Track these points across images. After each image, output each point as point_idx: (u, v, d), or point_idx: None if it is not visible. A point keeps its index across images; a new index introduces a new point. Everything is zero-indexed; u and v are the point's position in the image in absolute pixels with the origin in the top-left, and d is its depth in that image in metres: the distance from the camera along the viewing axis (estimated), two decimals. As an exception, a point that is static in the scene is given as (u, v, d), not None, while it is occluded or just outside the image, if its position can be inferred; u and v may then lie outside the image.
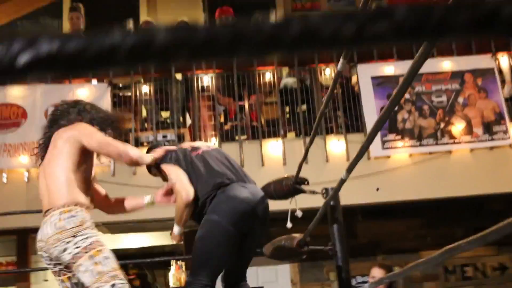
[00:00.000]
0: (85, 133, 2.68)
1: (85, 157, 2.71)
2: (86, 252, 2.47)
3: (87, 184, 2.76)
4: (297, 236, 3.36)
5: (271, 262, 7.20)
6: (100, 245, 2.56)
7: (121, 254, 8.79)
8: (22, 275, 7.31)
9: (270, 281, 7.17)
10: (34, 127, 6.38)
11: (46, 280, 8.26)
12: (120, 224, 6.90)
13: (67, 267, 2.62)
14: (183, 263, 7.46)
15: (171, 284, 7.99)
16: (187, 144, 3.28)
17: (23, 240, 7.40)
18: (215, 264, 2.75)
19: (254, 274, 7.19)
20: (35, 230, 6.76)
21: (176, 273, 7.64)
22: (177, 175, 2.86)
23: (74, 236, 2.49)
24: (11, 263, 8.02)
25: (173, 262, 7.83)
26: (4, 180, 6.41)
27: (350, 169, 2.00)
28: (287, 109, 6.94)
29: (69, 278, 2.63)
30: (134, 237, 8.62)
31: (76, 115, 2.77)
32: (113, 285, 2.45)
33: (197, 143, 3.28)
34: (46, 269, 7.57)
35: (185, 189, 2.81)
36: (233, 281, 3.01)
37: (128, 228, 7.53)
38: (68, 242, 2.47)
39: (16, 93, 6.64)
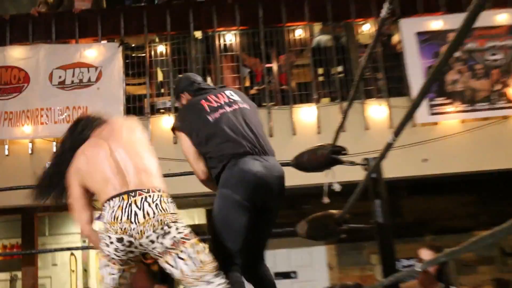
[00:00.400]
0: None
1: None
2: (189, 240, 2.67)
3: None
4: (335, 213, 3.51)
5: (305, 243, 6.99)
6: (195, 235, 2.78)
7: None
8: (28, 259, 7.56)
9: (304, 265, 7.61)
10: (37, 93, 6.77)
11: (55, 265, 8.88)
12: None
13: (145, 253, 2.80)
14: (206, 244, 8.51)
15: None
16: (204, 101, 3.19)
17: (29, 219, 7.72)
18: (234, 239, 2.90)
19: (286, 257, 7.63)
20: (41, 208, 7.12)
21: None
22: (188, 154, 3.17)
23: (176, 222, 2.67)
24: (15, 245, 8.45)
25: None
26: (6, 152, 6.74)
27: (397, 132, 2.03)
28: (320, 70, 7.00)
29: (130, 268, 2.76)
30: None
31: None
32: (216, 274, 2.70)
33: (216, 99, 3.20)
34: (54, 251, 7.94)
35: (195, 170, 3.20)
36: (251, 262, 3.14)
37: None
38: (170, 227, 2.64)
39: (17, 55, 6.95)
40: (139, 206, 2.62)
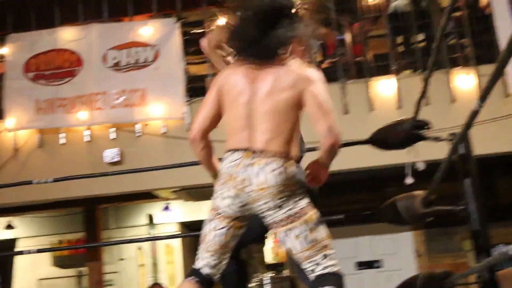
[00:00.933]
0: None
1: None
2: (304, 215, 2.85)
3: None
4: (420, 193, 3.66)
5: (389, 229, 7.42)
6: (313, 209, 2.91)
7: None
8: (93, 253, 8.19)
9: (389, 253, 8.05)
10: (91, 76, 7.30)
11: (122, 259, 9.54)
12: (202, 189, 7.65)
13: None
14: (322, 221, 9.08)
15: (267, 260, 9.08)
16: None
17: (91, 212, 8.38)
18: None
19: (369, 244, 8.04)
20: (103, 199, 7.48)
21: (274, 247, 8.90)
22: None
23: (295, 194, 2.87)
24: (80, 240, 9.12)
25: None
26: (62, 140, 7.34)
27: (483, 98, 2.14)
28: (399, 39, 7.33)
29: (239, 227, 2.98)
30: None
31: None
32: (325, 255, 2.88)
33: None
34: (119, 243, 8.89)
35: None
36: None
37: (212, 194, 8.61)
38: (288, 199, 2.85)
39: (68, 36, 7.49)
40: (260, 170, 2.84)
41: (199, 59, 7.68)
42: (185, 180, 7.29)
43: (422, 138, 3.90)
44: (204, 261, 3.05)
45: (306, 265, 2.91)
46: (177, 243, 10.23)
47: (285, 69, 2.93)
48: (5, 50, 7.67)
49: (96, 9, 7.69)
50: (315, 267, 2.89)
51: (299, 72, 2.95)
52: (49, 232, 10.48)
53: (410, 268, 7.94)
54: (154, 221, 10.15)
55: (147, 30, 7.44)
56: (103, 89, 7.38)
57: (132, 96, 7.35)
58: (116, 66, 7.43)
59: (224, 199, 2.91)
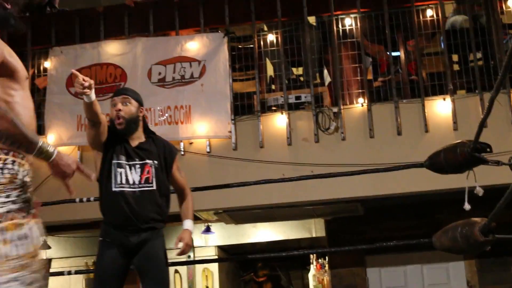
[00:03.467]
0: None
1: None
2: None
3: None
4: (478, 220, 3.63)
5: (440, 257, 7.57)
6: (18, 218, 2.55)
7: (246, 249, 9.37)
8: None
9: (440, 283, 8.12)
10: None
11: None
12: (245, 211, 7.85)
13: None
14: (326, 260, 8.67)
15: (311, 285, 9.26)
16: None
17: None
18: None
19: (419, 273, 8.08)
20: None
21: (317, 273, 9.02)
22: None
23: None
24: None
25: (312, 259, 9.12)
26: None
27: None
28: (455, 57, 7.28)
29: None
30: (263, 228, 9.67)
31: None
32: (15, 278, 2.43)
33: None
34: None
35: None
36: None
37: (255, 217, 8.39)
38: None
39: (112, 50, 7.64)
40: None
41: (246, 76, 7.77)
42: (228, 202, 7.35)
43: (484, 161, 3.91)
44: None
45: None
46: (215, 267, 10.36)
47: None
48: (47, 64, 7.79)
49: (141, 23, 7.83)
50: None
51: None
52: (82, 253, 10.70)
53: (463, 299, 7.98)
54: (194, 244, 10.15)
55: (194, 44, 7.52)
56: (147, 105, 7.12)
57: (176, 113, 7.43)
58: (161, 82, 7.54)
59: None
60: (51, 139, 7.57)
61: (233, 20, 7.66)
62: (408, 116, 6.99)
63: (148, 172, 4.38)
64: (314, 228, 9.44)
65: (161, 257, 4.41)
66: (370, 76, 7.51)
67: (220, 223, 9.27)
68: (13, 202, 2.56)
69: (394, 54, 7.39)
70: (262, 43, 7.74)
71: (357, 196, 7.19)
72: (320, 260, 9.38)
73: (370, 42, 7.50)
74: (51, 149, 2.68)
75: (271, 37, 7.75)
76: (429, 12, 7.36)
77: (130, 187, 4.34)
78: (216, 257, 10.22)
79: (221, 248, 10.36)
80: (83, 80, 3.89)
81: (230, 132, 7.29)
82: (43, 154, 2.64)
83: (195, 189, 6.15)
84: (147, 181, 4.37)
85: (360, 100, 7.18)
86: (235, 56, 7.60)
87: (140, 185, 4.38)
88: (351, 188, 6.86)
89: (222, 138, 7.35)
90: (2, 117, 2.49)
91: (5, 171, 2.59)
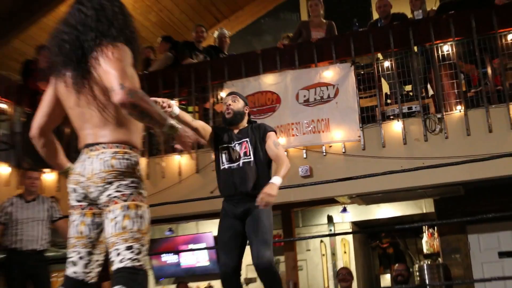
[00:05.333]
0: None
1: None
2: (124, 201, 2.63)
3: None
4: None
5: None
6: (141, 200, 2.69)
7: (373, 224, 10.27)
8: (288, 246, 9.07)
9: None
10: (287, 111, 8.05)
11: (309, 250, 10.47)
12: (372, 195, 8.39)
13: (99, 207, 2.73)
14: (435, 230, 9.28)
15: (424, 250, 9.82)
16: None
17: (287, 214, 9.19)
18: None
19: (510, 238, 8.54)
20: (299, 204, 8.54)
21: (428, 240, 9.72)
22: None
23: (119, 180, 2.68)
24: (277, 235, 9.83)
25: (425, 229, 9.82)
26: None
27: None
28: None
29: (93, 214, 2.81)
30: (386, 207, 10.10)
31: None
32: (130, 247, 2.59)
33: None
34: (310, 238, 10.22)
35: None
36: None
37: (380, 199, 8.92)
38: (111, 183, 2.66)
39: (269, 81, 8.32)
40: (92, 161, 2.71)
41: (369, 94, 8.24)
42: (359, 188, 7.75)
43: None
44: (69, 261, 2.83)
45: (111, 253, 2.62)
46: (350, 238, 10.88)
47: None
48: (223, 94, 8.35)
49: (289, 59, 8.43)
50: (115, 257, 2.60)
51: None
52: None
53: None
54: (334, 220, 10.87)
55: (329, 73, 8.05)
56: (296, 120, 8.08)
57: (318, 124, 8.01)
58: (306, 102, 8.11)
59: (70, 194, 2.82)
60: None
61: (357, 53, 8.19)
62: (496, 118, 7.40)
63: (245, 148, 4.52)
64: (424, 206, 9.87)
65: (263, 220, 4.40)
66: (464, 89, 7.89)
67: (353, 205, 9.66)
68: (135, 187, 2.69)
69: (483, 70, 7.76)
70: (380, 68, 8.26)
71: (458, 181, 7.62)
72: (430, 230, 9.76)
73: (464, 63, 7.86)
74: (177, 125, 2.75)
75: (386, 64, 8.29)
76: (510, 36, 7.76)
77: (233, 163, 4.52)
78: (351, 230, 10.72)
79: (354, 223, 10.84)
80: (162, 102, 4.02)
81: (359, 136, 7.84)
82: (173, 129, 2.72)
83: (334, 181, 6.88)
84: (245, 154, 4.49)
85: (458, 107, 7.64)
86: (360, 79, 8.08)
87: (241, 159, 4.51)
88: (453, 175, 7.25)
89: (353, 141, 7.90)
90: (142, 99, 2.57)
91: (130, 162, 2.72)
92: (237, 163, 4.44)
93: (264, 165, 4.61)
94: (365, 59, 8.40)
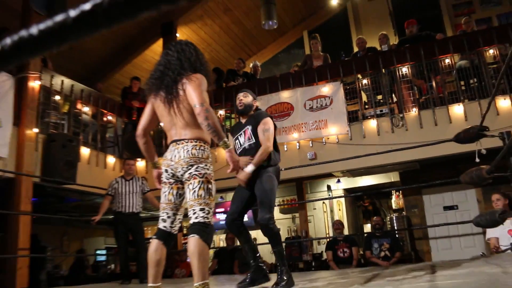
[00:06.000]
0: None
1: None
2: (199, 177, 2.65)
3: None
4: (484, 167, 3.78)
5: (461, 188, 7.96)
6: (211, 178, 2.70)
7: (358, 190, 10.13)
8: (301, 206, 9.17)
9: (461, 201, 8.57)
10: (298, 115, 8.11)
11: (315, 209, 10.57)
12: (357, 170, 8.39)
13: (182, 182, 2.74)
14: (400, 193, 9.37)
15: (393, 207, 9.88)
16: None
17: (300, 184, 9.19)
18: (273, 203, 3.78)
19: (450, 197, 8.53)
20: (307, 178, 8.61)
21: (396, 200, 9.78)
22: (269, 137, 3.90)
23: (197, 163, 2.69)
24: (293, 199, 10.33)
25: (393, 193, 9.86)
26: (285, 148, 8.14)
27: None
28: (462, 82, 7.63)
29: (177, 188, 2.80)
30: (367, 178, 10.11)
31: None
32: (202, 209, 2.62)
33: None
34: (315, 200, 10.53)
35: (269, 145, 3.84)
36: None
37: (362, 172, 9.00)
38: (192, 166, 2.68)
39: (285, 95, 8.40)
40: (179, 151, 2.73)
41: (353, 102, 8.28)
42: (348, 166, 7.65)
43: (484, 135, 4.17)
44: (160, 219, 2.84)
45: (190, 212, 2.65)
46: (343, 200, 10.83)
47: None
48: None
49: (298, 80, 8.41)
50: (192, 215, 2.63)
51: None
52: (278, 195, 10.77)
53: (474, 209, 8.34)
54: (331, 188, 10.81)
55: (325, 89, 8.11)
56: (304, 121, 8.09)
57: (319, 123, 8.03)
58: (311, 109, 8.15)
59: (163, 174, 2.84)
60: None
61: (344, 74, 8.27)
62: (440, 115, 7.33)
63: (248, 133, 4.02)
64: (392, 177, 9.80)
65: (263, 183, 3.83)
66: (418, 96, 7.95)
67: (344, 177, 9.55)
68: (208, 169, 2.72)
69: (430, 84, 7.83)
70: (360, 84, 8.25)
71: (415, 159, 7.54)
72: (397, 193, 9.74)
73: (416, 79, 7.95)
74: (228, 143, 2.71)
75: (364, 81, 8.33)
76: (447, 60, 7.80)
77: (241, 146, 4.05)
78: (343, 194, 10.57)
79: (345, 190, 10.68)
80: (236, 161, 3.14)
81: (348, 131, 7.86)
82: (225, 144, 2.69)
83: (330, 161, 6.67)
84: (248, 139, 3.99)
85: (414, 109, 7.70)
86: (346, 92, 8.14)
87: (245, 143, 4.01)
88: (412, 155, 7.20)
89: (343, 134, 7.91)
90: (212, 115, 2.60)
91: (206, 151, 2.73)
92: (243, 147, 4.00)
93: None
94: (350, 78, 8.34)
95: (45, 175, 7.11)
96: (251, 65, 10.11)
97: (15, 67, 7.16)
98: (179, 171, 2.67)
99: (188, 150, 2.66)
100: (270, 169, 3.85)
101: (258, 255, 3.94)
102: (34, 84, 7.33)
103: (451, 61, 7.71)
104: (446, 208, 8.71)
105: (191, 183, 2.63)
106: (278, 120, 8.24)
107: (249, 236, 3.90)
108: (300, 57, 10.73)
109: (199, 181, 2.62)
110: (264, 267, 3.92)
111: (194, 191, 2.61)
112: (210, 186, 2.65)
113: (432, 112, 7.43)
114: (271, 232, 3.68)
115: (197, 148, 2.68)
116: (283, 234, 11.04)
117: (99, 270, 10.95)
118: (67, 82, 8.17)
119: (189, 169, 2.64)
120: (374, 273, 4.33)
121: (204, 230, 2.55)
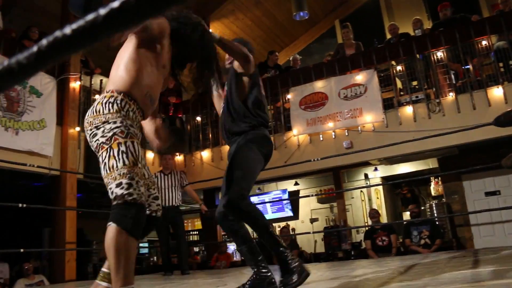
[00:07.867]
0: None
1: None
2: (107, 144, 1.98)
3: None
4: None
5: (504, 172, 7.84)
6: (122, 136, 1.99)
7: (396, 177, 9.89)
8: (339, 195, 9.22)
9: (504, 186, 8.39)
10: (333, 104, 8.09)
11: (353, 198, 10.59)
12: (395, 158, 8.25)
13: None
14: (439, 179, 9.22)
15: (432, 194, 9.79)
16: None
17: (337, 174, 9.25)
18: (253, 180, 2.85)
19: (492, 182, 8.26)
20: (344, 167, 8.65)
21: (435, 186, 9.65)
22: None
23: (105, 123, 2.00)
24: (331, 188, 10.34)
25: (432, 179, 9.76)
26: (321, 138, 8.20)
27: None
28: (501, 64, 7.45)
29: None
30: (404, 165, 9.99)
31: None
32: (119, 184, 1.93)
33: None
34: (352, 189, 10.11)
35: (244, 55, 2.92)
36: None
37: (399, 160, 8.85)
38: (99, 128, 2.01)
39: (319, 85, 8.33)
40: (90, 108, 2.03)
41: (388, 89, 8.08)
42: (385, 153, 7.61)
43: None
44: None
45: (109, 193, 1.98)
46: (380, 188, 10.77)
47: None
48: (289, 96, 8.59)
49: (332, 70, 8.50)
50: (111, 195, 1.97)
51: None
52: (315, 185, 11.55)
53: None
54: (369, 177, 10.78)
55: (359, 77, 8.04)
56: (339, 110, 8.06)
57: (354, 112, 7.98)
58: (345, 98, 8.11)
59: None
60: (295, 132, 8.28)
61: (378, 62, 8.18)
62: (478, 99, 7.24)
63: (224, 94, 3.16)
64: (430, 163, 9.67)
65: (234, 154, 2.86)
66: (454, 80, 7.75)
67: (382, 165, 9.51)
68: (117, 127, 1.99)
69: (466, 67, 7.67)
70: (394, 71, 8.19)
71: (454, 144, 7.40)
72: (436, 180, 9.61)
73: (452, 63, 7.78)
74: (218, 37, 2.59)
75: (398, 67, 8.22)
76: (484, 42, 7.59)
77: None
78: (381, 182, 10.52)
79: (383, 178, 10.63)
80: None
81: (383, 118, 7.79)
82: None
83: (368, 150, 6.77)
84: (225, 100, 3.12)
85: (451, 93, 7.58)
86: (381, 79, 8.05)
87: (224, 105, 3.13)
88: (450, 140, 7.10)
89: (379, 122, 7.86)
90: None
91: (115, 105, 2.03)
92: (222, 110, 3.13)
93: (239, 104, 3.08)
94: (384, 65, 8.30)
95: (88, 172, 7.34)
96: (291, 57, 10.08)
97: (56, 69, 7.47)
98: (89, 140, 2.05)
99: (92, 108, 2.04)
100: (251, 134, 2.93)
101: (261, 257, 2.89)
102: (75, 85, 7.55)
103: (489, 43, 7.50)
104: (488, 193, 8.47)
105: (100, 155, 2.00)
106: (313, 110, 8.32)
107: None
108: (333, 46, 10.53)
109: (107, 149, 1.98)
110: (270, 274, 2.83)
111: (105, 164, 1.97)
112: (122, 148, 1.96)
113: (470, 96, 7.28)
114: (242, 212, 2.73)
115: (104, 102, 2.02)
116: (321, 224, 11.04)
117: (142, 262, 11.21)
118: (106, 81, 8.27)
119: (95, 134, 2.01)
120: (415, 261, 4.30)
121: (124, 214, 1.87)
